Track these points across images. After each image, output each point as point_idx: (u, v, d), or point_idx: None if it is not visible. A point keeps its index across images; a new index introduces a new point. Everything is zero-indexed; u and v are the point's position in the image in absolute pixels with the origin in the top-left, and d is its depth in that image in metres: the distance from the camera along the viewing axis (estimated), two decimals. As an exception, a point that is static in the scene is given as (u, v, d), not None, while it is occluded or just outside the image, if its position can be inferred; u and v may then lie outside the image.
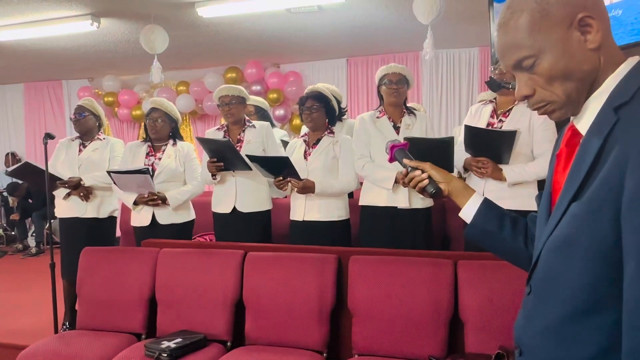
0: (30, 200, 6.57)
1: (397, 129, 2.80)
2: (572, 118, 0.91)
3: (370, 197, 2.81)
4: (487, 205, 1.14)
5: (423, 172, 1.21)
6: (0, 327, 3.44)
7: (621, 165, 0.75)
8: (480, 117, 2.68)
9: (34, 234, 6.41)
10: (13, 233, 6.82)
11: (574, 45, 0.84)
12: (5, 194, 6.85)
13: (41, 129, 7.21)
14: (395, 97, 2.79)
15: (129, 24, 4.57)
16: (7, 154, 7.19)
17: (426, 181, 1.20)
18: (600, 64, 0.85)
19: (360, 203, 2.87)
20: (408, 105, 2.94)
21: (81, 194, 3.21)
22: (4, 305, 4.00)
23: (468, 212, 1.14)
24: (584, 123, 0.87)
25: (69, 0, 3.93)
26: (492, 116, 2.66)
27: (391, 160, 1.33)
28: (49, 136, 3.08)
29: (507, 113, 2.60)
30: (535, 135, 2.53)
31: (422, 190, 1.21)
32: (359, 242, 3.05)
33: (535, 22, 0.85)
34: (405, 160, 1.26)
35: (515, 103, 2.60)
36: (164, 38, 4.38)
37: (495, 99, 2.71)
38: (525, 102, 2.71)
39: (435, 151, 2.51)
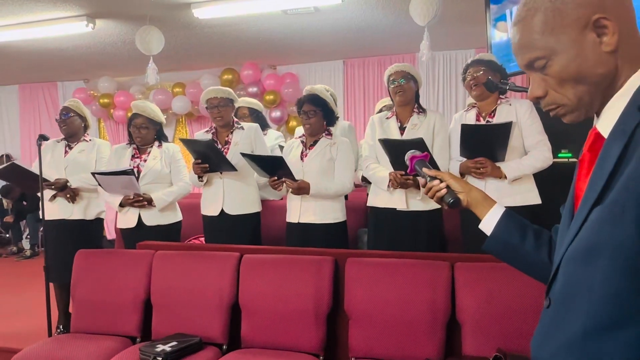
0: (24, 203, 6.53)
1: (403, 129, 2.79)
2: (594, 121, 0.87)
3: (374, 198, 2.83)
4: (509, 216, 1.09)
5: (442, 181, 1.18)
6: (-6, 331, 3.41)
7: None
8: (465, 122, 2.68)
9: (28, 237, 6.38)
10: (7, 235, 6.79)
11: (588, 48, 0.80)
12: (-1, 196, 6.81)
13: (36, 130, 7.16)
14: (400, 96, 2.77)
15: (124, 25, 4.55)
16: (2, 155, 7.13)
17: (444, 190, 1.17)
18: (618, 66, 0.81)
19: (367, 204, 2.89)
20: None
21: (67, 195, 3.18)
22: (-2, 308, 3.97)
23: (489, 224, 1.09)
24: (606, 125, 0.82)
25: (64, 1, 3.91)
26: (477, 119, 2.69)
27: (411, 171, 1.31)
28: (43, 138, 3.05)
29: (492, 113, 2.65)
30: (524, 130, 2.59)
31: (440, 200, 1.18)
32: (356, 244, 3.04)
33: (548, 22, 0.82)
34: (425, 170, 1.24)
35: (498, 103, 2.65)
36: (160, 39, 4.36)
37: (476, 104, 2.74)
38: (508, 101, 2.70)
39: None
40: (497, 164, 2.55)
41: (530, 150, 2.58)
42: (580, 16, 0.80)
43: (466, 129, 2.55)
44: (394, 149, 2.59)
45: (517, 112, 2.59)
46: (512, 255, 1.07)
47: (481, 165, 2.55)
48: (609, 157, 0.77)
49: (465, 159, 2.65)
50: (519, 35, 0.86)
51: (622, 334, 0.73)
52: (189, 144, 2.94)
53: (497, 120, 2.61)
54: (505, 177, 2.53)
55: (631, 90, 0.80)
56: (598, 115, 0.86)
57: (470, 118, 2.71)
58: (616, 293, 0.74)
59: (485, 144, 2.56)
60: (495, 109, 2.64)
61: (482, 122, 2.66)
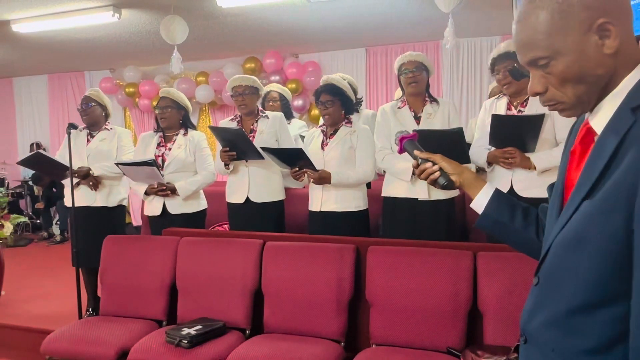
0: (54, 190, 6.71)
1: (418, 118, 2.77)
2: (587, 115, 0.91)
3: (391, 189, 2.81)
4: (499, 196, 1.15)
5: (434, 164, 1.21)
6: (27, 313, 3.54)
7: (637, 167, 0.75)
8: (495, 111, 2.62)
9: (58, 222, 6.56)
10: (38, 221, 6.99)
11: (590, 50, 0.83)
12: (30, 183, 7.02)
13: (65, 119, 7.33)
14: (413, 87, 2.75)
15: (149, 14, 4.60)
16: (32, 144, 7.33)
17: (437, 173, 1.20)
18: (616, 67, 0.84)
19: (382, 194, 2.87)
20: None
21: (90, 183, 3.27)
22: (30, 291, 4.11)
23: (480, 203, 1.16)
24: (599, 122, 0.87)
25: (91, -9, 3.97)
26: (508, 108, 2.62)
27: (401, 151, 1.32)
28: (72, 126, 3.13)
29: (525, 103, 2.57)
30: (557, 121, 2.50)
31: (434, 182, 1.21)
32: (377, 232, 3.04)
33: (555, 22, 0.84)
34: (416, 152, 1.25)
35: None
36: (184, 28, 4.40)
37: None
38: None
39: (447, 143, 2.47)
40: (527, 155, 2.48)
41: (562, 142, 2.49)
42: (585, 19, 0.82)
43: (497, 119, 2.49)
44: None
45: None
46: (502, 232, 1.14)
47: (510, 155, 2.48)
48: (602, 155, 0.81)
49: (493, 148, 2.60)
50: (524, 33, 0.88)
51: (602, 313, 0.81)
52: (218, 131, 2.98)
53: (528, 109, 2.52)
54: (535, 168, 2.46)
55: (625, 91, 0.84)
56: (591, 110, 0.89)
57: (501, 107, 2.63)
58: (600, 278, 0.81)
59: (515, 134, 2.49)
60: (528, 98, 2.54)
61: (514, 110, 2.59)
